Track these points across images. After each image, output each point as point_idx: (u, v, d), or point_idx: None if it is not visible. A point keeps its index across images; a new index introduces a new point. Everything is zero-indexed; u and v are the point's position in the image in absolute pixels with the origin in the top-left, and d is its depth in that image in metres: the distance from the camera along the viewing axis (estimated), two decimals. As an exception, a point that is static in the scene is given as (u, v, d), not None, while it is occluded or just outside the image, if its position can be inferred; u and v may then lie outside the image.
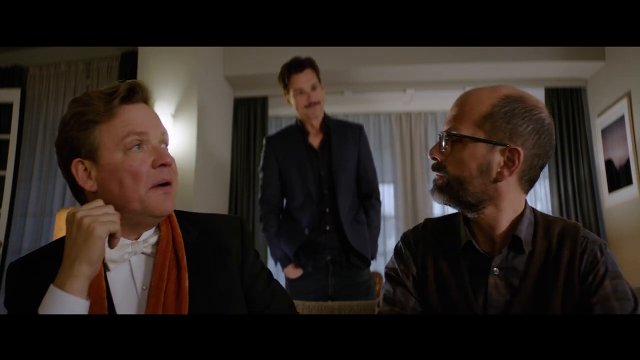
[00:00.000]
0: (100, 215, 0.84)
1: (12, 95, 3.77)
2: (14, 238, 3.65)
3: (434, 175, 1.09)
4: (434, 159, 1.07)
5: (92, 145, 0.90)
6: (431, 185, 1.10)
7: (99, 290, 0.88)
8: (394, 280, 1.12)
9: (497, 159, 1.01)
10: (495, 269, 1.03)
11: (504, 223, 1.05)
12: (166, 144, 0.98)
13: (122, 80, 0.95)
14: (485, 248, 1.07)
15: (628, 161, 3.12)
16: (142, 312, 0.91)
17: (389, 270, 1.15)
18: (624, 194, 3.18)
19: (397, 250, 1.17)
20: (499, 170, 1.01)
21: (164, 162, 0.92)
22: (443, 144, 1.05)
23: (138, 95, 0.94)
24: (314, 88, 2.30)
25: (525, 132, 1.00)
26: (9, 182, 3.66)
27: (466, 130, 1.02)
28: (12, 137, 3.70)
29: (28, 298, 0.86)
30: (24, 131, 3.81)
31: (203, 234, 1.03)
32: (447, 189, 1.05)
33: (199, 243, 1.01)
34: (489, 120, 1.01)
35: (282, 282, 2.62)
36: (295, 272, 2.39)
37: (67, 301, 0.81)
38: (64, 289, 0.81)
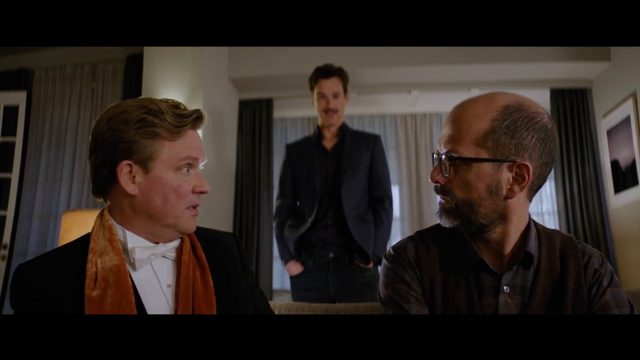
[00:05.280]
0: None
1: (18, 98, 3.79)
2: (20, 240, 3.67)
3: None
4: (436, 182, 1.02)
5: (150, 155, 0.93)
6: (438, 208, 1.05)
7: (126, 286, 0.89)
8: (401, 298, 1.04)
9: (506, 176, 0.96)
10: (505, 287, 1.00)
11: (513, 238, 1.02)
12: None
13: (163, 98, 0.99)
14: (494, 265, 1.03)
15: (634, 162, 3.10)
16: (171, 309, 0.95)
17: (392, 292, 1.06)
18: (629, 195, 3.16)
19: (396, 271, 1.07)
20: (508, 187, 0.96)
21: (203, 190, 0.99)
22: (445, 167, 0.99)
23: (201, 123, 1.00)
24: (335, 96, 2.45)
25: (531, 144, 0.95)
26: (15, 184, 3.67)
27: (467, 151, 0.96)
28: (18, 140, 3.72)
29: (44, 301, 0.86)
30: (29, 133, 3.83)
31: (209, 244, 1.08)
32: (456, 213, 1.00)
33: (208, 250, 1.06)
34: (491, 137, 0.95)
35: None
36: (295, 268, 2.45)
37: None
38: None
